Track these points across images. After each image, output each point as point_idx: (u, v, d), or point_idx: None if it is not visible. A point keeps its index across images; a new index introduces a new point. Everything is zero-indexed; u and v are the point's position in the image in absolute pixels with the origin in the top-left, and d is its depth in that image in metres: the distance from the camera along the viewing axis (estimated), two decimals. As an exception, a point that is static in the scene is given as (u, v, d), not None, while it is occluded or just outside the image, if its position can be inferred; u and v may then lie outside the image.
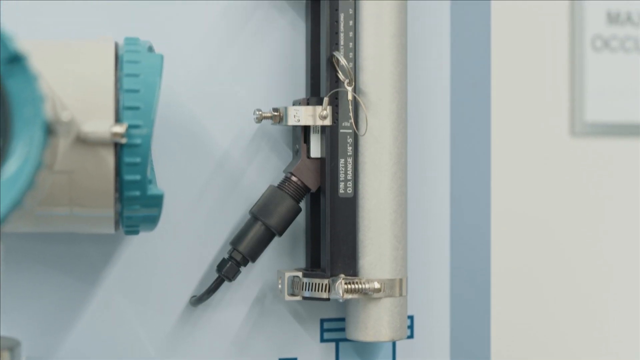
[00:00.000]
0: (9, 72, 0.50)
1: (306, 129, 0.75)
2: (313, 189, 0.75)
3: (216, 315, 0.76)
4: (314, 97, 0.75)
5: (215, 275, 0.74)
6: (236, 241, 0.73)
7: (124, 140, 0.59)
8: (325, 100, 0.73)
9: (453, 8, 0.82)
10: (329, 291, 0.73)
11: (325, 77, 0.74)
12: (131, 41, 0.64)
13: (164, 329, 0.75)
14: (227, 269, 0.73)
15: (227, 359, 0.76)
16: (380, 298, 0.74)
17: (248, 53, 0.77)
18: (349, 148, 0.74)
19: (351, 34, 0.74)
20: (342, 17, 0.74)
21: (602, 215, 0.88)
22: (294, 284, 0.74)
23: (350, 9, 0.74)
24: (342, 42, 0.74)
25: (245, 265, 0.73)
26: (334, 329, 0.79)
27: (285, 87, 0.77)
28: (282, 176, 0.75)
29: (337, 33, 0.74)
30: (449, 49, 0.82)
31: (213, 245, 0.76)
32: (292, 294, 0.74)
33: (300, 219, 0.76)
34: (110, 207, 0.62)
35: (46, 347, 0.73)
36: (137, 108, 0.60)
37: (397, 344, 0.81)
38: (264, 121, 0.75)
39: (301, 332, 0.78)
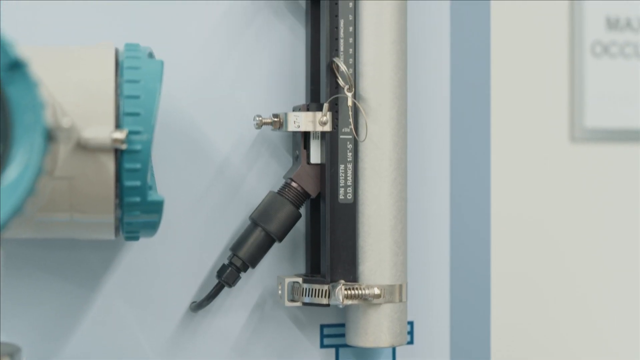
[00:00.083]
0: (10, 78, 0.50)
1: (306, 135, 0.75)
2: (313, 194, 0.75)
3: (216, 321, 0.76)
4: (313, 103, 0.75)
5: (215, 281, 0.74)
6: (236, 247, 0.73)
7: (124, 147, 0.59)
8: (325, 106, 0.73)
9: (453, 9, 0.82)
10: (329, 297, 0.73)
11: (325, 83, 0.74)
12: (131, 47, 0.64)
13: (164, 335, 0.75)
14: (227, 274, 0.73)
15: (227, 364, 0.77)
16: (380, 304, 0.74)
17: (248, 59, 0.77)
18: (349, 154, 0.74)
19: (351, 40, 0.74)
20: (342, 23, 0.74)
21: (601, 220, 0.88)
22: (294, 289, 0.74)
23: (350, 15, 0.74)
24: (342, 48, 0.74)
25: (245, 271, 0.73)
26: (334, 334, 0.79)
27: (285, 93, 0.77)
28: (282, 182, 0.75)
29: (337, 39, 0.74)
30: (449, 55, 0.82)
31: (213, 251, 0.76)
32: (292, 300, 0.74)
33: (300, 225, 0.76)
34: (111, 213, 0.62)
35: (46, 353, 0.73)
36: (137, 114, 0.60)
37: (397, 349, 0.81)
38: (264, 127, 0.75)
39: (301, 337, 0.78)
